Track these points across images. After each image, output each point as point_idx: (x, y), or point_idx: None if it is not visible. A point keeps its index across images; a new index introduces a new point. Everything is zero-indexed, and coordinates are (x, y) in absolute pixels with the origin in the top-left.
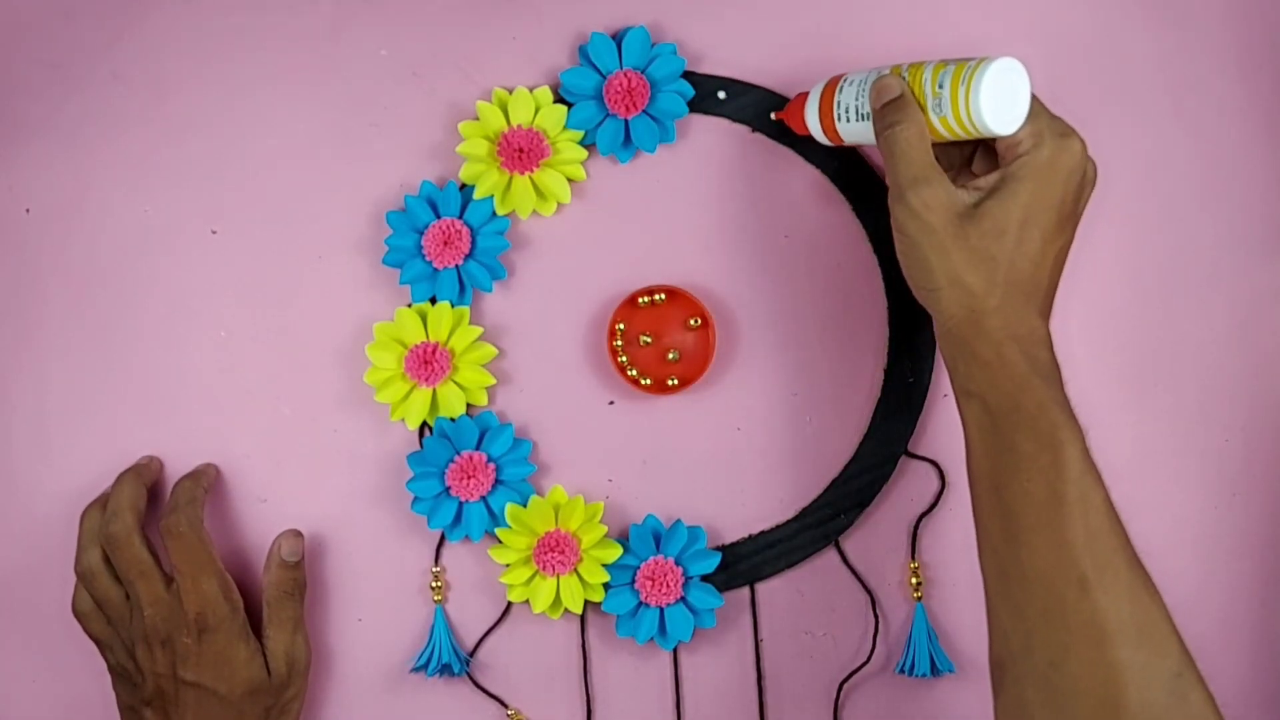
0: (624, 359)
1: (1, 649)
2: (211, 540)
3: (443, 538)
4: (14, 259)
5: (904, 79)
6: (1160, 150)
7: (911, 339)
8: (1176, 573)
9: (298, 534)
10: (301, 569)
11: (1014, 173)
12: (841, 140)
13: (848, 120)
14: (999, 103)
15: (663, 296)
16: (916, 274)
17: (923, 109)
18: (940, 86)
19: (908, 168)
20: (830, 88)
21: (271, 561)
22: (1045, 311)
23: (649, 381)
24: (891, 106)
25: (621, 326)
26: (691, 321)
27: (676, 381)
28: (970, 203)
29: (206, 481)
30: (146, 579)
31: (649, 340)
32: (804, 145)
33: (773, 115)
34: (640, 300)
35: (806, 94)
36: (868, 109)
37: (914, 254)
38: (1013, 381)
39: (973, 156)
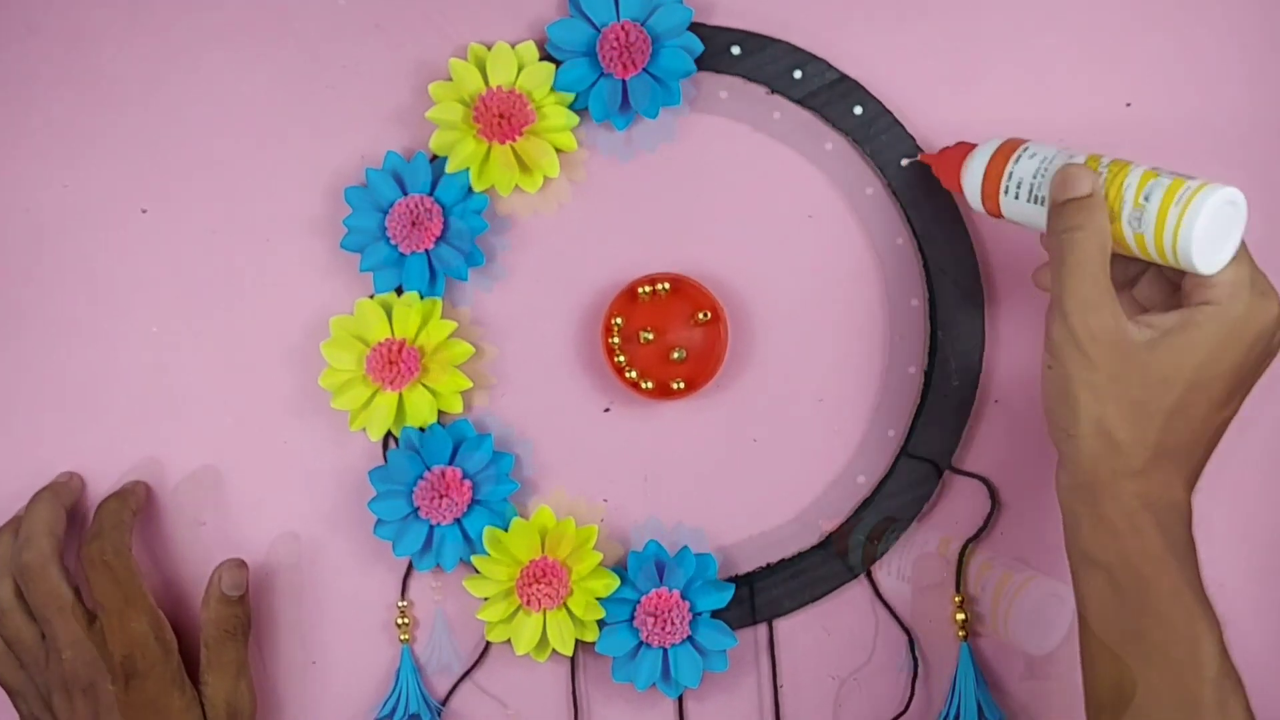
0: (622, 359)
1: None
2: (141, 571)
3: (410, 567)
4: None
5: (1100, 175)
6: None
7: (955, 335)
8: None
9: (241, 564)
10: (246, 604)
11: (1199, 321)
12: (1001, 215)
13: (1016, 197)
14: (1211, 238)
15: (666, 287)
16: (1059, 411)
17: (1113, 216)
18: (1146, 199)
19: (1079, 285)
20: (1005, 151)
21: (211, 596)
22: (1192, 484)
23: (650, 384)
24: (1076, 205)
25: (619, 322)
26: (699, 315)
27: (682, 384)
28: (1140, 341)
29: (135, 502)
30: (65, 616)
31: (650, 337)
32: (829, 109)
33: (919, 157)
34: (640, 291)
35: (966, 146)
36: (1045, 194)
37: (1062, 386)
38: (1145, 557)
39: (1139, 277)
